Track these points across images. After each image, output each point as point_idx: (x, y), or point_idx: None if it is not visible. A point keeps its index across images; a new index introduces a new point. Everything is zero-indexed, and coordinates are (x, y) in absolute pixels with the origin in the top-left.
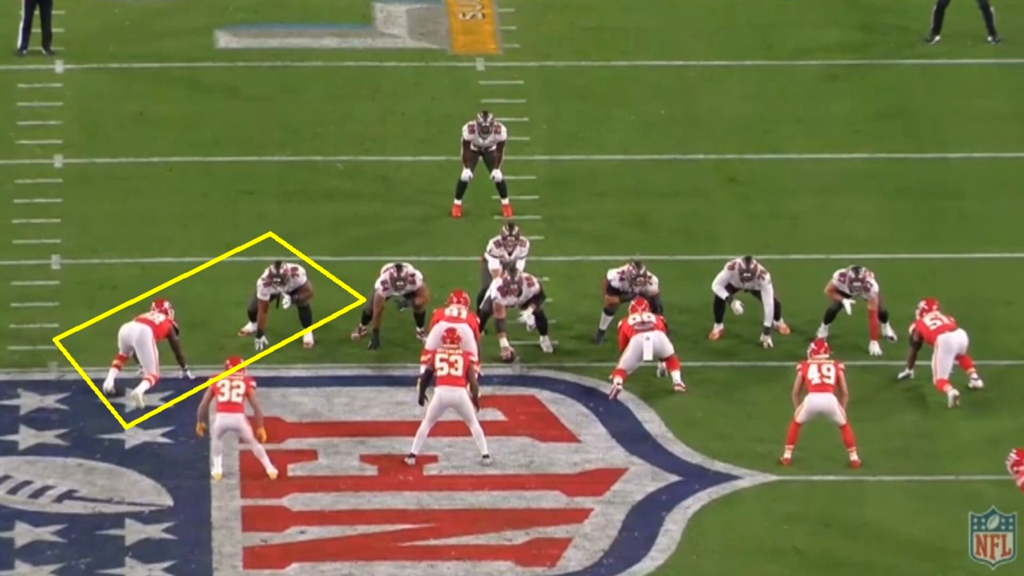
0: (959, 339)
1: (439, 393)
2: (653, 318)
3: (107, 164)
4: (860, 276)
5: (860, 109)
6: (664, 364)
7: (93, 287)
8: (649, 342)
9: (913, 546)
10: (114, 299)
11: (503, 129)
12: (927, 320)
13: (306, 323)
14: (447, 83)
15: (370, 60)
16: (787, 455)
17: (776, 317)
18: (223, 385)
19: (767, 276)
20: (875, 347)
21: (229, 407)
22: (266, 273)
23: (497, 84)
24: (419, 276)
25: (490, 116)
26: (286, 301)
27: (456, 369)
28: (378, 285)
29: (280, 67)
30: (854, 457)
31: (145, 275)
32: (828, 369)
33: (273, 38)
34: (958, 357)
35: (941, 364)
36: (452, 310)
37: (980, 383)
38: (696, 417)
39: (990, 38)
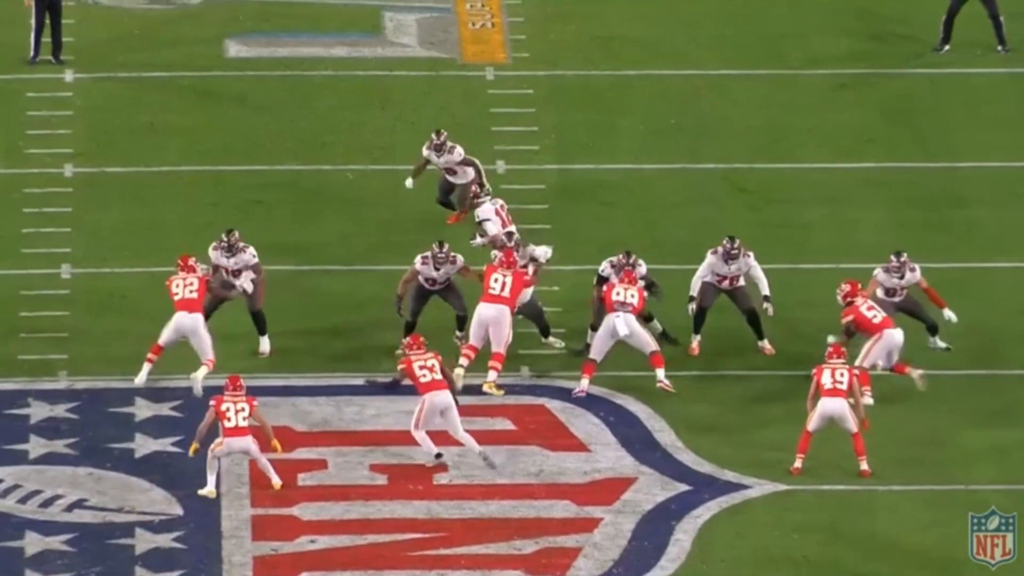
0: (901, 337)
1: (428, 399)
2: (635, 300)
3: (117, 173)
4: (901, 260)
5: (870, 118)
6: (649, 360)
7: (103, 296)
8: (620, 319)
9: (923, 556)
10: (124, 308)
11: (457, 149)
12: (864, 310)
13: (260, 328)
14: (457, 92)
15: (380, 69)
16: (797, 464)
17: (760, 337)
18: (228, 410)
19: (751, 254)
20: (948, 313)
21: (237, 432)
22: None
23: (506, 93)
24: (460, 258)
25: (443, 135)
26: (247, 284)
27: (436, 373)
28: (418, 259)
29: (290, 76)
30: (864, 467)
31: (155, 284)
32: (841, 375)
33: (283, 47)
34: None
35: (877, 354)
36: (496, 278)
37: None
38: (706, 426)
39: (1000, 48)
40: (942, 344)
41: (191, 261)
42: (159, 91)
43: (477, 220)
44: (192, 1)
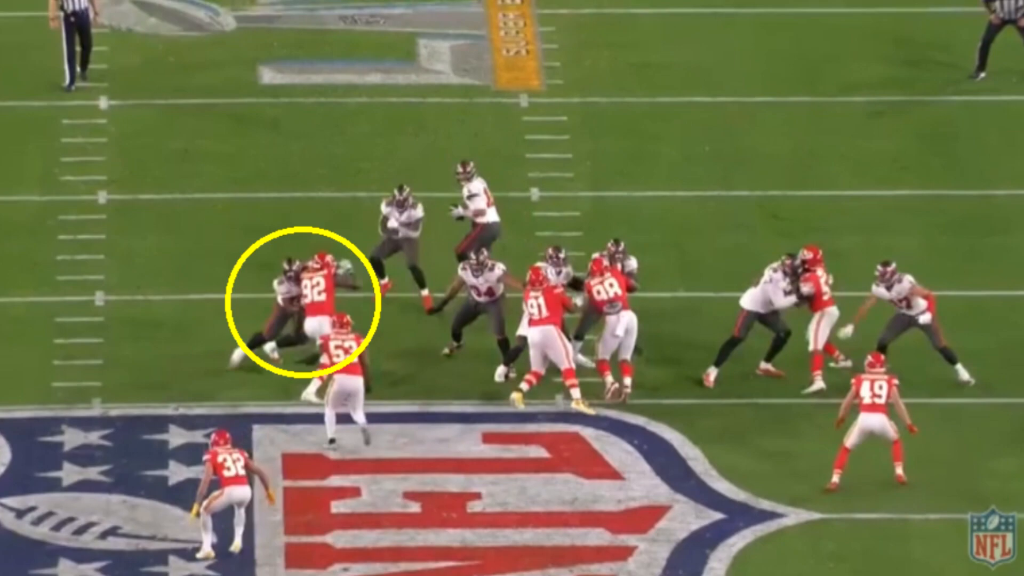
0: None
1: (339, 381)
2: (618, 289)
3: (151, 200)
4: (886, 269)
5: (905, 145)
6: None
7: (137, 323)
8: (617, 317)
9: None
10: (158, 335)
11: (419, 206)
12: (823, 282)
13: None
14: (490, 119)
15: (414, 96)
16: (835, 479)
17: (768, 358)
18: (224, 460)
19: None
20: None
21: (238, 480)
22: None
23: (540, 120)
24: (500, 265)
25: (406, 190)
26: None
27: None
28: (460, 267)
29: (324, 103)
30: (899, 471)
31: (189, 311)
32: (880, 387)
33: (317, 74)
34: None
35: (824, 333)
36: (531, 303)
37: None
38: (741, 454)
39: None
40: (965, 376)
41: (327, 258)
42: (193, 118)
43: (466, 195)
44: (226, 28)
